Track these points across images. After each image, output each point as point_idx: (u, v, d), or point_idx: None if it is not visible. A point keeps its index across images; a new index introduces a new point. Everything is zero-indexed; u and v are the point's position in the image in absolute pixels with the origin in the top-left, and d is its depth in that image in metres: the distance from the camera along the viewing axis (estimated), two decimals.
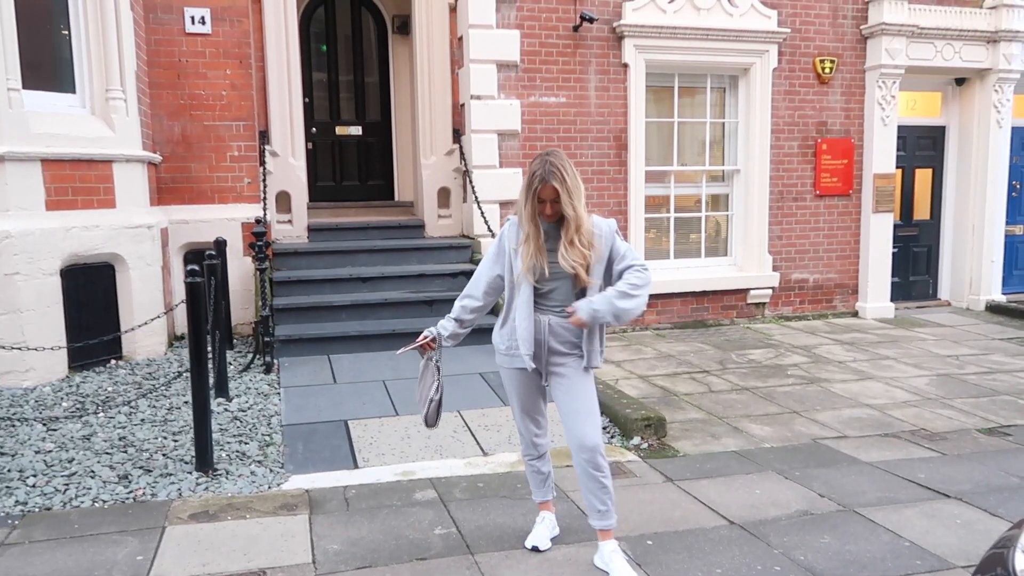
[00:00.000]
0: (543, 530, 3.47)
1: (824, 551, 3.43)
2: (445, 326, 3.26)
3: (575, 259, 3.03)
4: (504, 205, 7.79)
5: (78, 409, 5.11)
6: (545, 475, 3.45)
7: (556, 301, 3.14)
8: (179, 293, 6.81)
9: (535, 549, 3.39)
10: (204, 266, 5.05)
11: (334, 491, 4.06)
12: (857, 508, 3.87)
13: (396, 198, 9.28)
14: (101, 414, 5.02)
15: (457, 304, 3.29)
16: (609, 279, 3.13)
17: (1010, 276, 9.75)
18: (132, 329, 5.58)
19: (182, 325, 6.81)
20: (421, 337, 3.22)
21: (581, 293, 3.12)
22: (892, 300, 9.07)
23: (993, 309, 9.21)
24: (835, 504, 3.93)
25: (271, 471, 4.29)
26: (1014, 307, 9.12)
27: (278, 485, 4.14)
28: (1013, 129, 9.27)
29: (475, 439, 4.80)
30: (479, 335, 6.83)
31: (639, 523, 3.69)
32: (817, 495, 4.04)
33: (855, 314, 9.04)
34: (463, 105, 7.94)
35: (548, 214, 3.06)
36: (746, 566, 3.29)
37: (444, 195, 8.42)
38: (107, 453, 4.43)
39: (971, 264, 9.40)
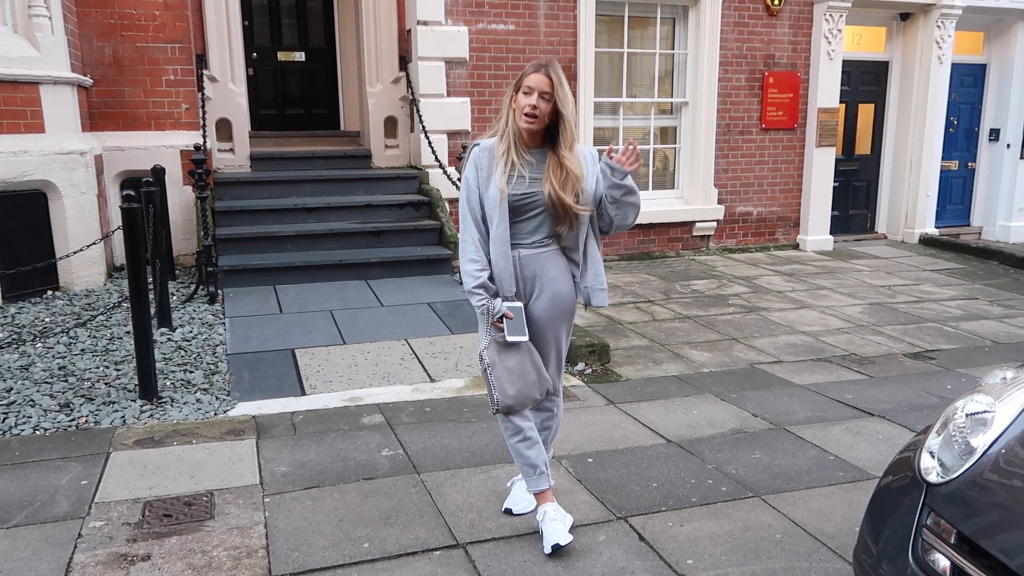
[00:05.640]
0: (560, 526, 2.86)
1: (755, 465, 3.61)
2: (487, 292, 2.77)
3: (567, 182, 2.65)
4: (452, 135, 7.69)
5: (14, 339, 4.98)
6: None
7: (533, 236, 2.79)
8: (116, 223, 6.62)
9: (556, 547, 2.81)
10: (142, 194, 4.90)
11: (281, 417, 4.09)
12: (787, 426, 4.07)
13: (342, 127, 9.07)
14: (39, 344, 4.92)
15: (474, 271, 2.76)
16: (599, 210, 2.82)
17: (943, 210, 10.08)
18: (67, 256, 5.41)
19: (121, 257, 6.64)
20: (496, 319, 2.75)
21: (556, 233, 2.79)
22: (832, 233, 9.33)
23: (926, 242, 9.55)
24: (767, 423, 4.11)
25: (217, 398, 4.28)
26: (946, 240, 9.48)
27: (224, 412, 4.15)
28: (953, 65, 9.44)
29: (422, 366, 4.85)
30: (425, 265, 6.88)
31: (581, 443, 3.82)
32: (751, 415, 4.22)
33: (796, 247, 9.28)
34: (409, 31, 7.73)
35: (532, 105, 2.58)
36: (680, 480, 3.44)
37: (391, 124, 8.27)
38: (47, 383, 4.36)
39: (907, 198, 9.68)
